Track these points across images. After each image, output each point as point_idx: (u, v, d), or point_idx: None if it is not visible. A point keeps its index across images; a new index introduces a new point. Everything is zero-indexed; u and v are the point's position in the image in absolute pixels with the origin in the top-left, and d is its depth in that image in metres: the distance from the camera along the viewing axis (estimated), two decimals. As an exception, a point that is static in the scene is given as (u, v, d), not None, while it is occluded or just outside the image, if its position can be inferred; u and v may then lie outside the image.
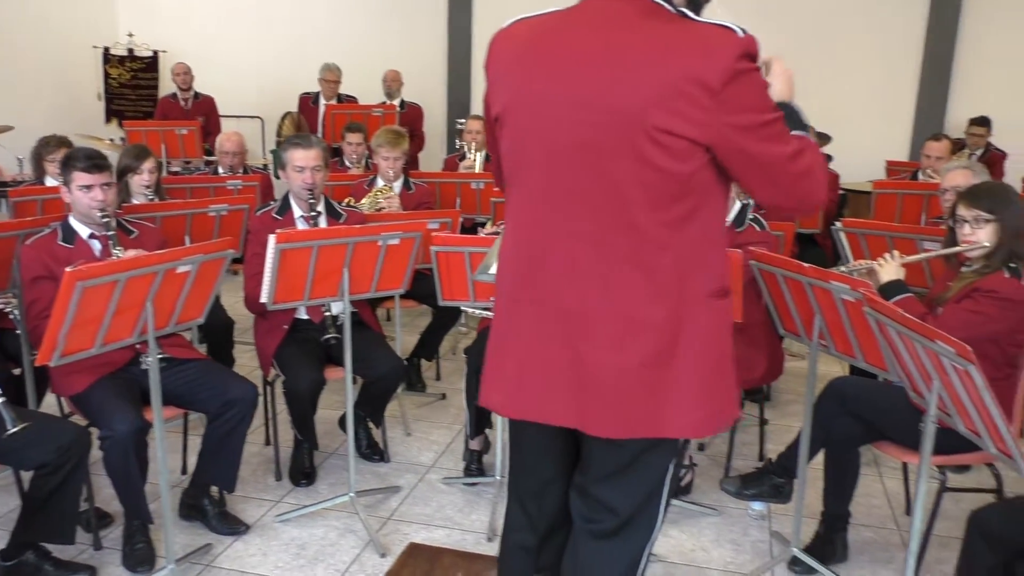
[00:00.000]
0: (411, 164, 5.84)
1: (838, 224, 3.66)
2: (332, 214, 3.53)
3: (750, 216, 3.40)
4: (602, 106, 1.48)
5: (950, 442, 2.32)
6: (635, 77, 1.45)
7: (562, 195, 1.56)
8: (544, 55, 1.56)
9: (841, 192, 6.32)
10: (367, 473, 3.48)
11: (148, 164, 3.82)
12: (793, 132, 1.57)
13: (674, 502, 3.23)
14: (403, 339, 4.22)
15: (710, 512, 3.20)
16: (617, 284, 1.54)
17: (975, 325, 2.58)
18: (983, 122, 6.85)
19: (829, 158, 6.72)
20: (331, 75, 7.23)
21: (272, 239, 2.72)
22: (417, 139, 7.28)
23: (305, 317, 3.40)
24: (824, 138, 6.42)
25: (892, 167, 6.43)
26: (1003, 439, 1.87)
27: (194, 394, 2.89)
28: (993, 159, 6.87)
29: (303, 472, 3.39)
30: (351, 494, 3.06)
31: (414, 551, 2.86)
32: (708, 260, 1.58)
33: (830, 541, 2.87)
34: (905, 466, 3.27)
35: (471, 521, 3.12)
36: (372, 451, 3.62)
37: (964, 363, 1.83)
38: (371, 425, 3.62)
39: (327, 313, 3.24)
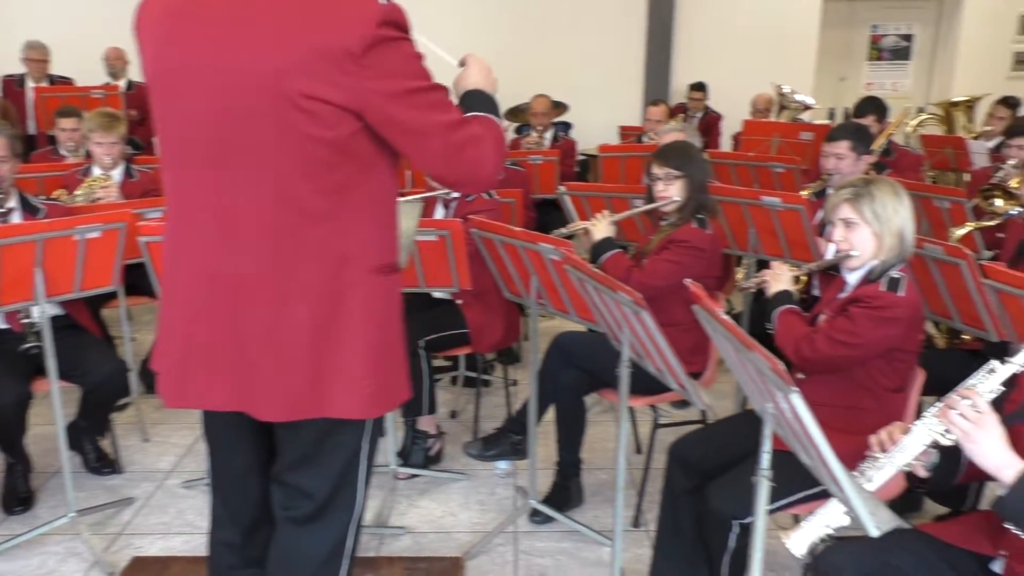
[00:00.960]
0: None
1: (562, 188, 3.84)
2: (28, 209, 3.18)
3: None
4: (241, 72, 1.42)
5: (656, 383, 2.52)
6: (273, 42, 1.41)
7: (211, 164, 1.50)
8: (182, 19, 1.48)
9: (582, 158, 6.67)
10: (96, 488, 3.20)
11: None
12: (473, 113, 1.60)
13: (422, 472, 3.28)
14: (146, 338, 3.92)
15: (459, 477, 3.28)
16: (272, 256, 1.50)
17: (673, 273, 2.82)
18: (700, 87, 7.52)
19: (568, 125, 7.09)
20: (35, 54, 6.49)
21: (-65, 243, 2.40)
22: (149, 122, 6.75)
23: (4, 326, 3.05)
24: (561, 106, 6.75)
25: (624, 131, 6.88)
26: (677, 375, 2.06)
27: None
28: (710, 121, 7.57)
29: (18, 498, 3.06)
30: (71, 514, 2.81)
31: (138, 565, 2.68)
32: (371, 234, 1.57)
33: (566, 488, 3.04)
34: (632, 410, 3.53)
35: (212, 523, 2.98)
36: (102, 464, 3.34)
37: (638, 309, 1.98)
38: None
39: (25, 320, 2.93)
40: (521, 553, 2.78)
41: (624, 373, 2.26)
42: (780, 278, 2.50)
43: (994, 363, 1.60)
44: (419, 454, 3.34)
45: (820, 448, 1.39)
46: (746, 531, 2.23)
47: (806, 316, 2.42)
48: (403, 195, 3.54)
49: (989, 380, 1.60)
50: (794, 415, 1.41)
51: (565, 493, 3.03)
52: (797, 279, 3.24)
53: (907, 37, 8.39)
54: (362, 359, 1.56)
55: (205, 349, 1.55)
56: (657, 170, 2.93)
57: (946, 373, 2.19)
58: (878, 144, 4.27)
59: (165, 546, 2.84)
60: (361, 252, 1.55)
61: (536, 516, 2.95)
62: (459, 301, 3.37)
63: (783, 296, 2.45)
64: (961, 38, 8.02)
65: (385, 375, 1.61)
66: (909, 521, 2.03)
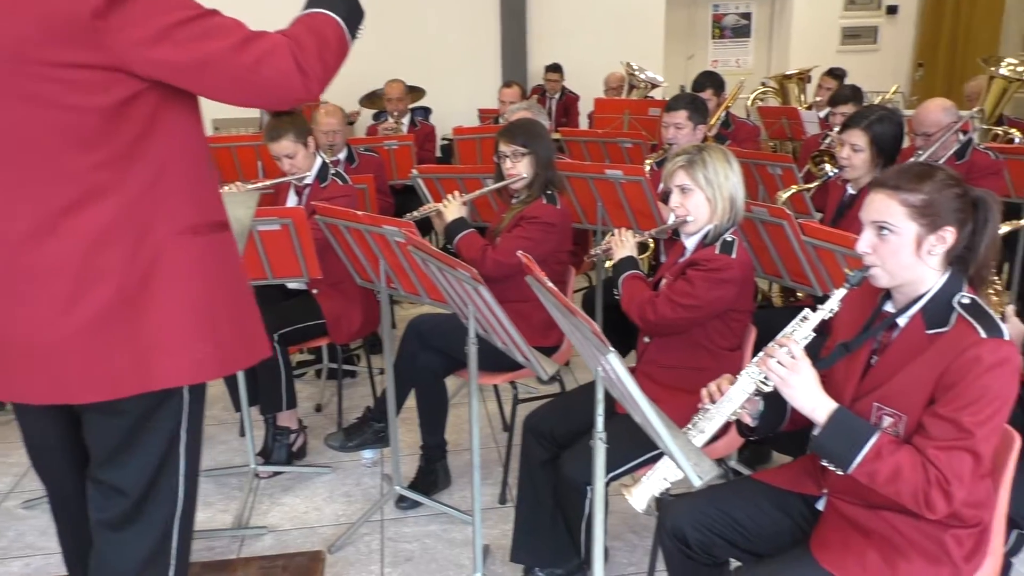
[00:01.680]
0: None
1: (415, 172, 3.81)
2: None
3: (332, 171, 3.41)
4: None
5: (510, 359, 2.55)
6: (7, 11, 1.30)
7: None
8: None
9: (444, 143, 6.64)
10: (-77, 520, 2.95)
11: None
12: (309, 10, 1.48)
13: (285, 468, 3.20)
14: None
15: (324, 471, 3.22)
16: (60, 237, 1.40)
17: (526, 249, 2.84)
18: (556, 68, 7.62)
19: (427, 111, 7.04)
20: None
21: None
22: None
23: None
24: (417, 91, 6.70)
25: (483, 114, 6.89)
26: (520, 347, 2.08)
27: None
28: (568, 101, 7.70)
29: None
30: None
31: (-30, 594, 2.50)
32: (176, 196, 1.48)
33: (432, 471, 3.03)
34: (496, 388, 3.57)
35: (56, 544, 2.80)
36: (-71, 493, 3.08)
37: (476, 285, 1.99)
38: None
39: None
40: (387, 540, 2.76)
41: (472, 350, 2.27)
42: (624, 245, 2.57)
43: (807, 311, 1.70)
44: (281, 451, 3.25)
45: (640, 404, 1.44)
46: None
47: (649, 281, 2.51)
48: (251, 184, 3.44)
49: (803, 327, 1.69)
50: (616, 376, 1.46)
51: (432, 477, 3.03)
52: (644, 246, 3.37)
53: (746, 15, 8.80)
54: (186, 324, 1.47)
55: (7, 346, 1.44)
56: (504, 148, 2.95)
57: (781, 330, 2.32)
58: (716, 116, 4.47)
59: (4, 572, 2.65)
60: (166, 216, 1.45)
61: (402, 502, 2.93)
62: (314, 291, 3.30)
63: (627, 262, 2.52)
64: (794, 15, 8.49)
65: (221, 336, 1.53)
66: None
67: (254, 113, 6.17)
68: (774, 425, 1.86)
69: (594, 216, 3.51)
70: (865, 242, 1.66)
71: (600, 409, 1.69)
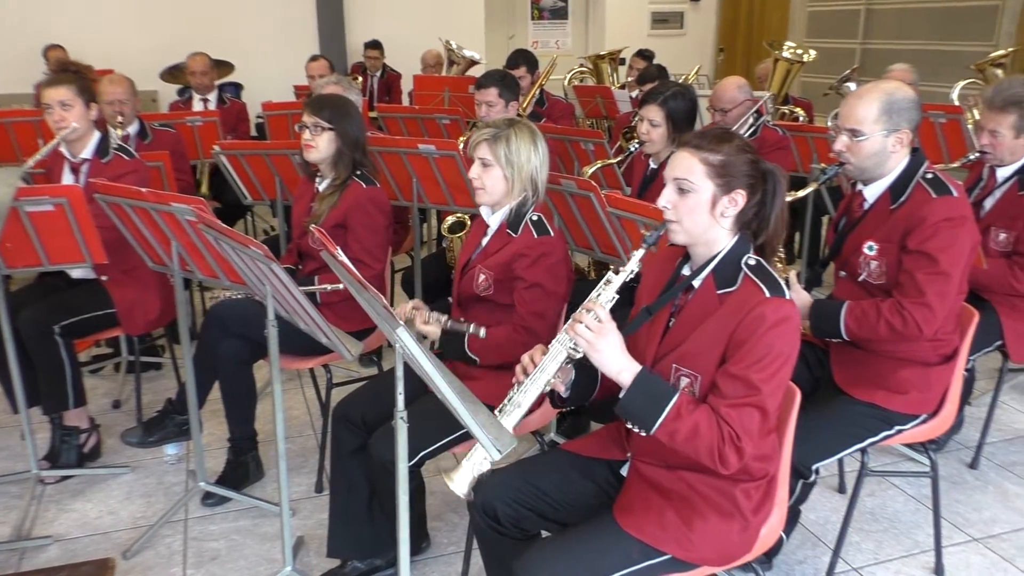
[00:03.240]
0: None
1: (216, 148, 3.57)
2: None
3: (114, 145, 3.11)
4: None
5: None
6: None
7: None
8: None
9: (259, 120, 6.31)
10: None
11: None
12: None
13: (76, 472, 2.93)
14: None
15: (121, 471, 2.96)
16: None
17: (363, 239, 2.74)
18: (376, 45, 7.44)
19: (238, 87, 6.67)
20: None
21: None
22: None
23: None
24: (225, 65, 6.33)
25: (299, 91, 6.60)
26: (321, 328, 1.99)
27: None
28: (391, 79, 7.54)
29: None
30: None
31: None
32: None
33: (242, 464, 2.87)
34: (313, 372, 3.42)
35: None
36: None
37: (268, 263, 1.87)
38: None
39: None
40: (191, 540, 2.58)
41: (272, 332, 2.14)
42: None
43: (610, 274, 1.71)
44: (70, 452, 2.96)
45: (434, 378, 1.39)
46: (414, 475, 2.25)
47: (455, 264, 2.45)
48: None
49: (607, 290, 1.70)
50: (410, 351, 1.40)
51: (242, 470, 2.86)
52: (461, 224, 3.34)
53: (563, -2, 9.01)
54: None
55: None
56: (307, 118, 2.78)
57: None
58: (531, 95, 4.51)
59: None
60: None
61: (209, 499, 2.75)
62: (104, 278, 3.00)
63: None
64: (607, 0, 8.77)
65: None
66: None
67: (27, 88, 5.59)
68: (586, 394, 1.87)
69: (410, 193, 3.43)
70: (665, 198, 1.72)
71: (400, 387, 1.62)
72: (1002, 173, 2.89)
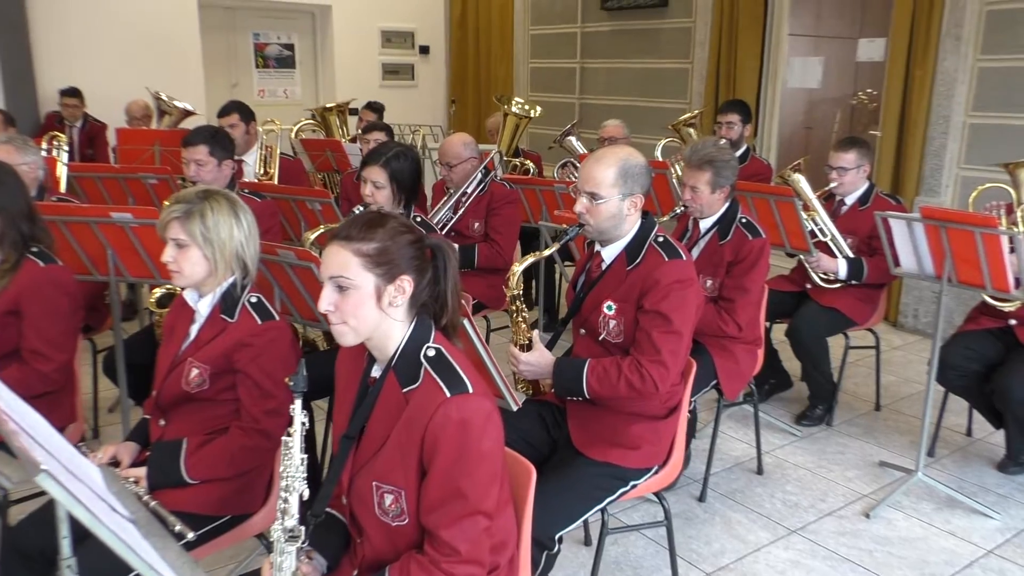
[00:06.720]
0: None
1: None
2: None
3: None
4: None
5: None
6: None
7: None
8: None
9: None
10: None
11: None
12: None
13: None
14: None
15: None
16: None
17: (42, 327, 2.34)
18: (74, 93, 6.69)
19: None
20: None
21: None
22: None
23: None
24: None
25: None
26: None
27: None
28: (94, 130, 6.81)
29: None
30: None
31: None
32: None
33: None
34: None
35: None
36: None
37: None
38: None
39: None
40: None
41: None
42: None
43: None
44: None
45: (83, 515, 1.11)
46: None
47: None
48: None
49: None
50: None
51: None
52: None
53: (289, 47, 8.68)
54: None
55: None
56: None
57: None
58: (252, 147, 4.22)
59: None
60: None
61: None
62: None
63: None
64: (336, 50, 8.59)
65: None
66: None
67: None
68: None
69: (105, 266, 3.00)
70: (326, 300, 1.53)
71: (65, 529, 1.32)
72: (704, 224, 3.13)
